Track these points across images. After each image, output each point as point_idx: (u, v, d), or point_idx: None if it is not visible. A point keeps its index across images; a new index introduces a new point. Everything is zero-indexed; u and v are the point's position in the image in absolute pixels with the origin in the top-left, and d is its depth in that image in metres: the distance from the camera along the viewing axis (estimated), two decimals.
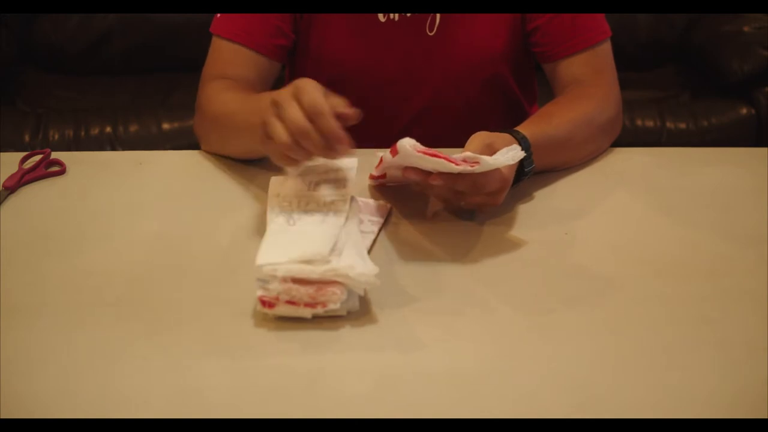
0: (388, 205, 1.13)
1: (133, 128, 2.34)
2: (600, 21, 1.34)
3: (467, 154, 1.00)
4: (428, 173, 1.03)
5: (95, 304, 0.97)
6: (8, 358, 0.87)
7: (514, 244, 1.08)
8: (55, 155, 1.25)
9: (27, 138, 2.28)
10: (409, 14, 1.34)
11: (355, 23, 1.35)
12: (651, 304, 0.97)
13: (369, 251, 1.02)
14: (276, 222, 0.99)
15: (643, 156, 1.31)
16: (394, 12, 1.34)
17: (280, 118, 0.98)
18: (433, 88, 1.39)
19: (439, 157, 0.98)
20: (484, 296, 0.99)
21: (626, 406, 0.83)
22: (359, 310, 0.93)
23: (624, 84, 1.38)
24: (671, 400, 0.83)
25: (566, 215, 1.14)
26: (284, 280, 0.90)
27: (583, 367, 0.88)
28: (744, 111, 2.46)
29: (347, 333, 0.91)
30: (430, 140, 1.36)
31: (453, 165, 0.98)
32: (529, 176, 1.14)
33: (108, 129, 2.33)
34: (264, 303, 0.91)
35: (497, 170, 1.03)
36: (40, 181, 1.21)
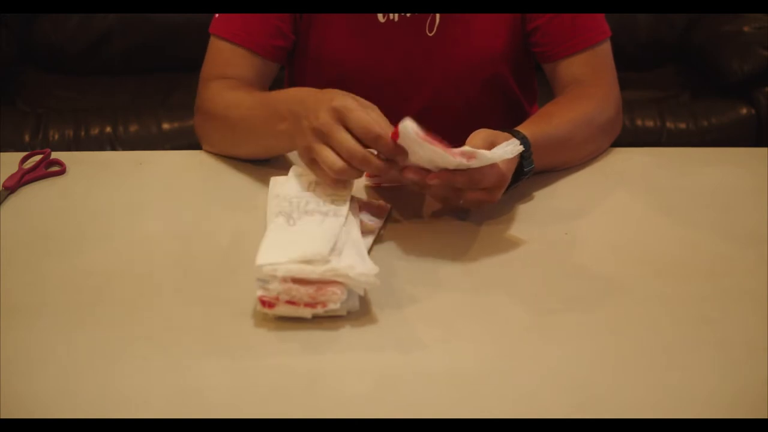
0: (388, 206, 1.13)
1: (133, 128, 2.35)
2: (600, 21, 1.34)
3: (466, 148, 1.00)
4: (426, 173, 1.03)
5: (95, 304, 0.97)
6: (8, 358, 0.87)
7: (514, 244, 1.08)
8: (55, 155, 1.25)
9: (27, 138, 2.29)
10: (408, 14, 1.34)
11: (355, 23, 1.35)
12: (651, 304, 0.97)
13: (369, 251, 1.02)
14: (276, 222, 0.99)
15: (643, 156, 1.32)
16: (393, 12, 1.34)
17: (329, 144, 1.00)
18: (433, 88, 1.39)
19: (439, 146, 0.98)
20: (484, 296, 0.99)
21: (626, 406, 0.83)
22: (359, 310, 0.93)
23: (624, 84, 1.38)
24: (671, 400, 0.83)
25: (566, 215, 1.14)
26: (284, 280, 0.90)
27: (583, 367, 0.88)
28: (744, 111, 2.46)
29: (347, 333, 0.91)
30: None
31: (450, 157, 0.98)
32: (528, 176, 1.14)
33: (108, 129, 2.33)
34: (264, 303, 0.91)
35: (495, 165, 1.03)
36: (40, 181, 1.21)
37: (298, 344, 0.90)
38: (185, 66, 2.38)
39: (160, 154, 1.38)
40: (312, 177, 1.06)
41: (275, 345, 0.90)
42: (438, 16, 1.34)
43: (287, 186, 1.06)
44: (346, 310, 0.92)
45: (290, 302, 0.90)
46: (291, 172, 1.09)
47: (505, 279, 1.02)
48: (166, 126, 2.35)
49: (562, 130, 1.21)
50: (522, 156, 1.10)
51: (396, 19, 1.35)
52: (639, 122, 2.43)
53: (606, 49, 1.35)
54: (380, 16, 1.35)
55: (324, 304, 0.90)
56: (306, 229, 0.98)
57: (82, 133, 2.32)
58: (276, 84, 1.38)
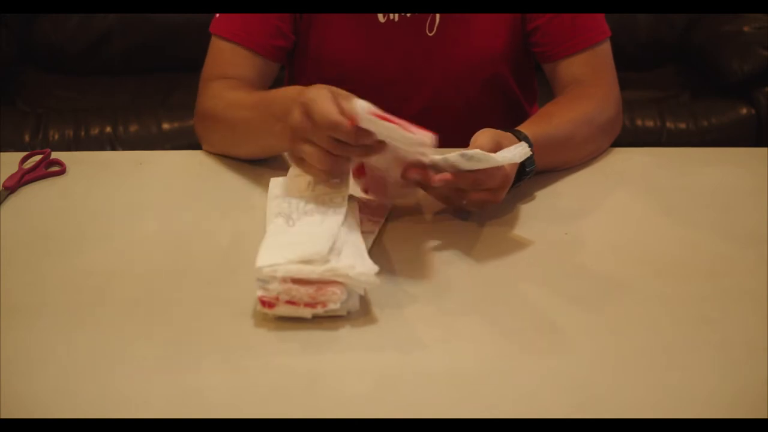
0: (388, 206, 1.13)
1: (133, 128, 2.34)
2: (600, 21, 1.35)
3: (476, 151, 1.00)
4: (429, 173, 1.03)
5: (95, 304, 0.97)
6: (8, 358, 0.87)
7: (514, 244, 1.08)
8: (55, 155, 1.25)
9: (27, 138, 2.28)
10: (408, 14, 1.34)
11: (355, 23, 1.35)
12: (651, 304, 0.97)
13: (369, 251, 1.02)
14: (275, 223, 0.99)
15: (643, 156, 1.32)
16: (393, 12, 1.34)
17: (308, 140, 0.99)
18: (433, 88, 1.39)
19: (394, 122, 0.96)
20: (484, 296, 0.99)
21: (626, 406, 0.83)
22: (359, 310, 0.93)
23: (624, 84, 1.38)
24: (671, 400, 0.83)
25: (566, 215, 1.14)
26: (284, 280, 0.90)
27: (583, 367, 0.88)
28: (744, 111, 2.46)
29: (347, 333, 0.91)
30: None
31: (409, 135, 0.96)
32: (530, 176, 1.14)
33: (108, 129, 2.33)
34: (264, 303, 0.91)
35: (500, 167, 1.03)
36: (40, 181, 1.21)
37: (298, 344, 0.90)
38: (185, 66, 2.38)
39: (160, 154, 1.38)
40: (309, 177, 1.06)
41: (275, 345, 0.90)
42: (438, 16, 1.34)
43: (286, 186, 1.06)
44: (346, 310, 0.92)
45: (290, 302, 0.90)
46: (290, 173, 1.09)
47: (505, 279, 1.02)
48: (166, 126, 2.35)
49: (562, 130, 1.21)
50: None
51: (396, 19, 1.35)
52: (639, 122, 2.43)
53: (606, 49, 1.35)
54: (380, 16, 1.35)
55: (324, 304, 0.90)
56: (305, 229, 0.98)
57: (82, 133, 2.32)
58: (276, 84, 1.38)
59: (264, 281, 0.91)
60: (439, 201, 1.11)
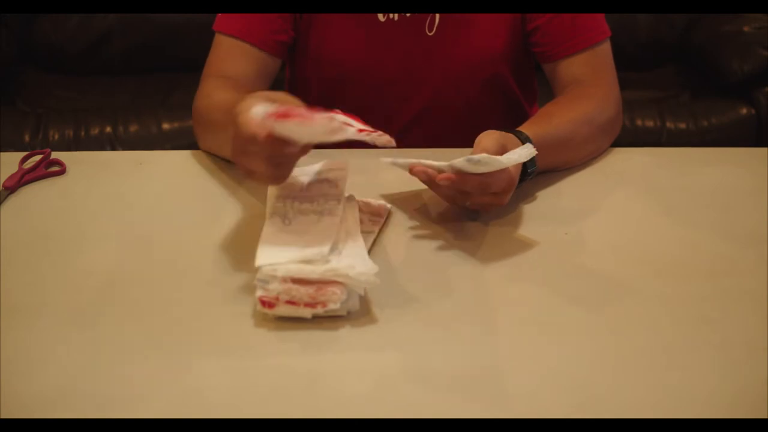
0: (388, 206, 1.13)
1: (133, 128, 2.34)
2: (600, 21, 1.34)
3: (482, 155, 1.00)
4: (434, 173, 1.03)
5: (95, 304, 0.97)
6: (8, 358, 0.87)
7: (514, 244, 1.08)
8: (55, 155, 1.25)
9: (27, 138, 2.28)
10: (408, 14, 1.34)
11: (355, 23, 1.35)
12: (651, 304, 0.97)
13: (369, 251, 1.02)
14: (272, 222, 0.99)
15: (643, 156, 1.32)
16: (393, 12, 1.34)
17: (243, 153, 0.96)
18: (433, 88, 1.39)
19: (296, 117, 0.91)
20: (484, 296, 0.99)
21: (626, 406, 0.83)
22: (359, 310, 0.93)
23: (624, 84, 1.38)
24: (671, 400, 0.83)
25: (566, 215, 1.14)
26: (284, 280, 0.90)
27: (583, 367, 0.88)
28: (744, 111, 2.46)
29: (347, 333, 0.91)
30: (430, 140, 1.38)
31: (315, 127, 0.91)
32: (531, 177, 1.14)
33: (108, 129, 2.33)
34: (264, 303, 0.91)
35: (505, 170, 1.03)
36: (40, 181, 1.21)
37: (298, 344, 0.90)
38: (185, 66, 2.37)
39: (160, 154, 1.38)
40: (306, 177, 1.06)
41: (275, 345, 0.90)
42: (438, 15, 1.34)
43: (281, 186, 1.06)
44: (346, 310, 0.92)
45: (290, 302, 0.90)
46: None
47: (506, 279, 1.02)
48: (166, 126, 2.35)
49: (562, 130, 1.21)
50: None
51: (396, 18, 1.34)
52: (639, 122, 2.43)
53: (606, 49, 1.35)
54: (380, 15, 1.35)
55: (324, 304, 0.90)
56: (303, 228, 0.98)
57: (82, 133, 2.32)
58: (276, 84, 1.38)
59: (264, 281, 0.91)
60: (444, 200, 1.11)
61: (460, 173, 1.02)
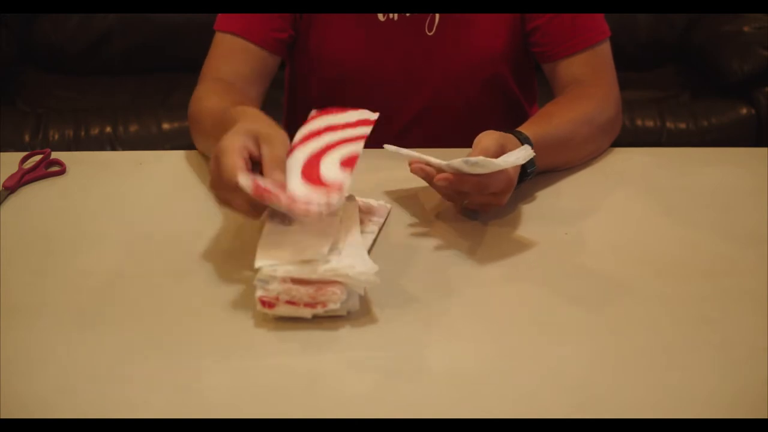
0: (388, 206, 1.13)
1: (133, 128, 2.35)
2: (600, 21, 1.35)
3: (479, 158, 1.00)
4: (432, 171, 1.04)
5: (95, 304, 0.97)
6: (8, 358, 0.87)
7: (514, 244, 1.07)
8: (55, 155, 1.25)
9: (27, 138, 2.29)
10: (408, 14, 1.34)
11: (355, 23, 1.35)
12: (651, 304, 0.97)
13: (369, 251, 1.02)
14: (272, 222, 0.99)
15: (643, 156, 1.32)
16: (393, 12, 1.34)
17: (222, 190, 0.97)
18: (433, 88, 1.39)
19: (273, 196, 0.92)
20: (484, 296, 0.99)
21: (626, 406, 0.83)
22: (359, 310, 0.93)
23: (624, 84, 1.38)
24: (671, 400, 0.83)
25: (566, 215, 1.14)
26: (284, 280, 0.90)
27: (583, 367, 0.88)
28: (744, 111, 2.46)
29: (347, 333, 0.91)
30: (430, 140, 1.38)
31: (282, 206, 0.93)
32: (531, 177, 1.14)
33: (108, 129, 2.33)
34: (264, 303, 0.91)
35: (503, 171, 1.03)
36: (40, 181, 1.21)
37: (298, 344, 0.90)
38: (185, 66, 2.37)
39: (160, 154, 1.38)
40: None
41: (275, 345, 0.90)
42: (438, 15, 1.34)
43: None
44: (346, 310, 0.92)
45: (290, 302, 0.90)
46: None
47: (505, 279, 1.02)
48: (166, 126, 2.35)
49: (562, 130, 1.21)
50: None
51: (396, 18, 1.35)
52: (639, 122, 2.43)
53: (606, 49, 1.35)
54: (380, 15, 1.35)
55: (324, 304, 0.90)
56: (303, 228, 0.97)
57: (82, 133, 2.32)
58: (276, 84, 1.38)
59: (264, 281, 0.91)
60: (444, 198, 1.11)
61: (458, 173, 1.03)
